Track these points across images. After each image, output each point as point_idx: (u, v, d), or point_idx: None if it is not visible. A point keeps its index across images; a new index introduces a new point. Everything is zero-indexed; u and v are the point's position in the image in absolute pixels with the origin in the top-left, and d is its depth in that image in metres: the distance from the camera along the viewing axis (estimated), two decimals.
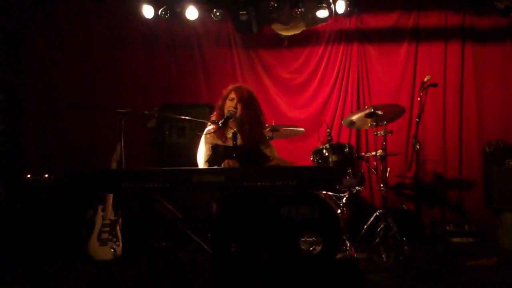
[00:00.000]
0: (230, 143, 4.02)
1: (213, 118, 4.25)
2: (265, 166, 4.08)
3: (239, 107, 4.14)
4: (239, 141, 4.06)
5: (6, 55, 6.52)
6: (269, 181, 3.08)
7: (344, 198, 5.21)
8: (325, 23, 6.58)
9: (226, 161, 3.84)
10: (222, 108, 4.24)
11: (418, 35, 6.47)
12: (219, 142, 4.13)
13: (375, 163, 5.47)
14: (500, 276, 4.37)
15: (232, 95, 4.19)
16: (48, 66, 6.70)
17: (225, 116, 4.08)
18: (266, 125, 4.72)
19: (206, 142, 4.18)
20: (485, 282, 4.17)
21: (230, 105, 4.16)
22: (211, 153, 4.14)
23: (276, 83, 6.71)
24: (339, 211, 5.01)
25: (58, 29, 6.74)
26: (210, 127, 4.24)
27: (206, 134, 4.19)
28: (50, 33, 6.73)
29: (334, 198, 5.17)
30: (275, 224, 4.25)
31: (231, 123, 4.15)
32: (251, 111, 4.18)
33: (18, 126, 6.60)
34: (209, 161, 4.11)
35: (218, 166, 3.94)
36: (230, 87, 4.29)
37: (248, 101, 4.19)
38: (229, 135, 4.09)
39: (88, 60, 6.77)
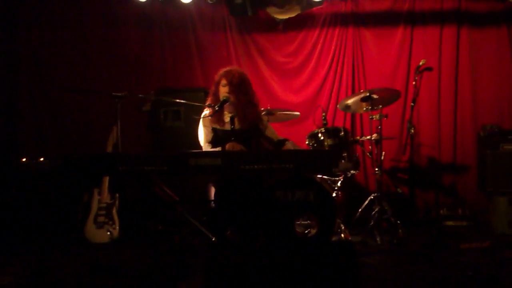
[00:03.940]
0: (228, 127, 4.03)
1: (209, 103, 4.25)
2: (281, 149, 4.09)
3: (231, 92, 4.15)
4: (237, 125, 4.07)
5: (0, 40, 6.48)
6: (266, 164, 3.10)
7: (339, 182, 5.24)
8: (320, 6, 6.54)
9: (229, 144, 3.85)
10: (216, 94, 4.24)
11: (413, 19, 6.45)
12: (217, 126, 4.14)
13: (370, 147, 5.49)
14: (492, 259, 4.42)
15: (224, 81, 4.20)
16: (42, 50, 6.66)
17: (221, 100, 4.09)
18: (262, 107, 4.73)
19: (204, 126, 4.19)
20: (478, 264, 4.22)
21: (223, 91, 4.17)
22: (213, 134, 4.15)
23: (271, 67, 6.69)
24: (334, 194, 5.04)
25: (52, 12, 6.69)
26: (206, 111, 4.25)
27: (203, 117, 4.20)
28: (44, 16, 6.67)
29: (329, 181, 5.20)
30: (271, 207, 4.27)
31: (227, 107, 4.16)
32: (242, 95, 4.20)
33: (13, 110, 6.57)
34: (211, 142, 4.12)
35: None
36: (221, 72, 4.29)
37: (239, 85, 4.20)
38: (227, 119, 4.11)
39: (82, 44, 6.72)
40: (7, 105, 6.51)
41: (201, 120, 4.22)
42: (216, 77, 4.29)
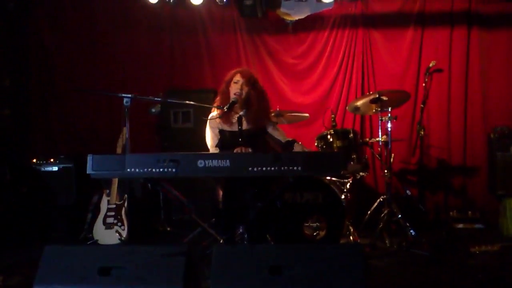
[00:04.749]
0: (235, 128, 4.02)
1: (217, 103, 4.24)
2: (289, 151, 4.09)
3: (244, 89, 4.14)
4: (245, 125, 4.07)
5: (10, 40, 6.53)
6: (274, 166, 3.09)
7: (348, 184, 5.23)
8: (330, 8, 6.53)
9: (238, 148, 3.85)
10: (226, 92, 4.22)
11: (423, 21, 6.43)
12: (225, 127, 4.14)
13: (379, 149, 5.48)
14: (503, 261, 4.39)
15: (237, 78, 4.18)
16: (52, 51, 6.71)
17: (230, 101, 4.08)
18: (271, 109, 4.72)
19: (211, 127, 4.18)
20: (488, 267, 4.20)
21: (235, 88, 4.15)
22: (219, 137, 4.15)
23: (280, 68, 6.70)
24: (343, 196, 5.03)
25: (62, 13, 6.74)
26: (214, 113, 4.24)
27: (210, 119, 4.20)
28: (54, 17, 6.73)
29: (338, 183, 5.19)
30: (279, 209, 4.27)
31: (236, 107, 4.15)
32: (256, 92, 4.19)
33: (24, 111, 6.62)
34: (219, 146, 4.13)
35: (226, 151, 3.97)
36: (234, 70, 4.28)
37: (253, 83, 4.19)
38: (234, 119, 4.09)
39: (92, 45, 6.77)
40: (18, 105, 6.55)
41: (208, 121, 4.21)
42: (228, 76, 4.27)
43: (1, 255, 4.93)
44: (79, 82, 6.64)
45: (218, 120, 4.17)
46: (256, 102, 4.16)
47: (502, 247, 4.73)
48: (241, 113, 4.09)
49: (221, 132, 4.14)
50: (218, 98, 4.29)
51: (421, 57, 6.42)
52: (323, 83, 6.60)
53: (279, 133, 4.31)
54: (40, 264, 2.87)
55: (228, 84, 4.22)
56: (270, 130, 4.28)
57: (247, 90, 4.14)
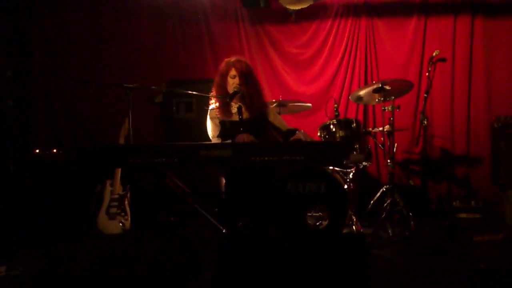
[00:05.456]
0: (236, 118, 4.02)
1: (214, 94, 4.23)
2: (290, 140, 4.08)
3: (241, 82, 4.13)
4: (245, 115, 4.06)
5: (13, 31, 6.51)
6: (276, 156, 3.09)
7: (351, 174, 5.22)
8: None
9: (240, 135, 3.84)
10: (223, 85, 4.21)
11: (427, 9, 6.39)
12: (225, 118, 4.13)
13: (382, 138, 5.45)
14: (505, 251, 4.39)
15: (233, 72, 4.16)
16: (55, 42, 6.68)
17: (232, 92, 4.07)
18: (273, 99, 4.71)
19: (212, 118, 4.18)
20: (490, 257, 4.19)
21: (233, 83, 4.14)
22: (220, 127, 4.15)
23: (283, 58, 6.68)
24: (345, 186, 5.02)
25: (65, 4, 6.71)
26: (213, 105, 4.23)
27: (210, 110, 4.20)
28: (57, 8, 6.69)
29: (341, 173, 5.18)
30: (282, 199, 4.27)
31: (235, 98, 4.14)
32: (251, 84, 4.18)
33: (27, 102, 6.61)
34: (220, 136, 4.13)
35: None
36: (228, 62, 4.24)
37: (248, 75, 4.18)
38: (234, 110, 4.09)
39: (95, 36, 6.74)
40: (20, 96, 6.54)
41: (208, 112, 4.21)
42: (223, 68, 4.23)
43: (5, 245, 4.95)
44: (82, 73, 6.62)
45: (217, 111, 4.15)
46: (253, 92, 4.16)
47: (505, 237, 4.74)
48: (239, 104, 4.08)
49: (222, 122, 4.14)
50: (214, 90, 4.27)
51: (424, 46, 6.39)
52: (326, 73, 6.58)
53: (279, 122, 4.30)
54: None
55: (224, 77, 4.20)
56: (271, 119, 4.28)
57: (243, 83, 4.14)
